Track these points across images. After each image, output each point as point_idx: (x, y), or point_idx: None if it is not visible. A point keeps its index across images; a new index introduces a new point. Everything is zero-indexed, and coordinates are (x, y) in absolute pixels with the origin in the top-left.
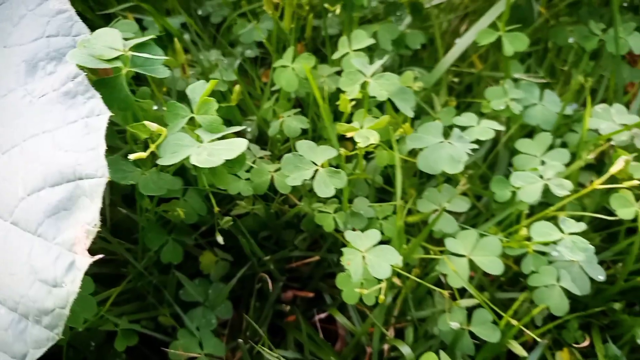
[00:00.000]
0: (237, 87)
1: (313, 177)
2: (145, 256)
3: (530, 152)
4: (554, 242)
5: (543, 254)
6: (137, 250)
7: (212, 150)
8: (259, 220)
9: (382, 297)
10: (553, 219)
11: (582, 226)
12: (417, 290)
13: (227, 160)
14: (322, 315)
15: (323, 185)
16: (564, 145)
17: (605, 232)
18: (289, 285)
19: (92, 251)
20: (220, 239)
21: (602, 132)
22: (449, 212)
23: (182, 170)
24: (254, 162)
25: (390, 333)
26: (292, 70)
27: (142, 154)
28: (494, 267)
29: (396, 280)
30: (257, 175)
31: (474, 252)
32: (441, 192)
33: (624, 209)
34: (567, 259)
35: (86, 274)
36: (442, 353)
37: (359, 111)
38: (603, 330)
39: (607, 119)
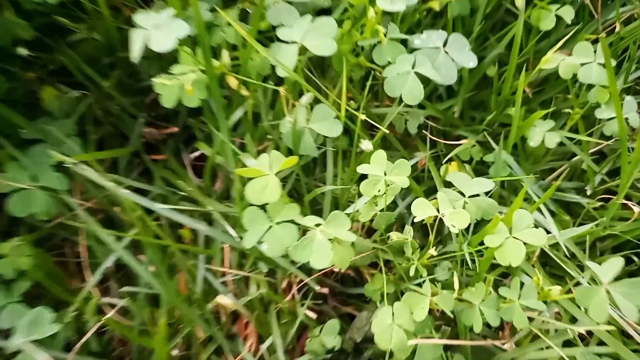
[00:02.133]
0: None
1: None
2: None
3: None
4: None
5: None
6: None
7: None
8: (98, 45)
9: (189, 88)
10: None
11: None
12: (275, 109)
13: None
14: (196, 154)
15: None
16: None
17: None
18: (155, 123)
19: None
20: (24, 51)
21: None
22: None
23: None
24: None
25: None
26: None
27: None
28: (325, 48)
29: (244, 92)
30: None
31: (306, 37)
32: None
33: None
34: (432, 46)
35: None
36: (273, 151)
37: None
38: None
39: None
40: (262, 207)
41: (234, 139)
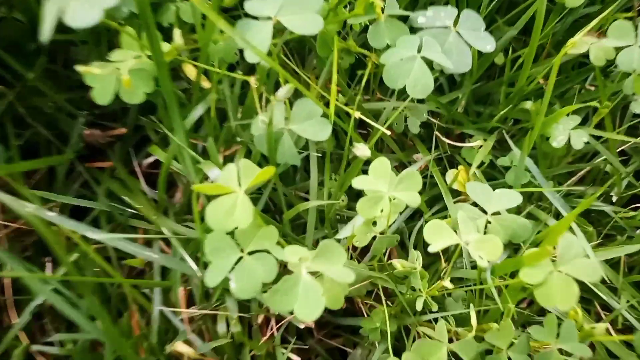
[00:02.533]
0: None
1: None
2: None
3: None
4: None
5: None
6: None
7: None
8: (20, 27)
9: (126, 78)
10: None
11: None
12: (245, 105)
13: None
14: (150, 160)
15: None
16: None
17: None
18: (99, 123)
19: None
20: None
21: None
22: None
23: None
24: None
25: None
26: None
27: None
28: (309, 25)
29: (205, 83)
30: None
31: (283, 11)
32: None
33: None
34: (440, 25)
35: None
36: (243, 159)
37: None
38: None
39: None
40: (230, 231)
41: (196, 142)
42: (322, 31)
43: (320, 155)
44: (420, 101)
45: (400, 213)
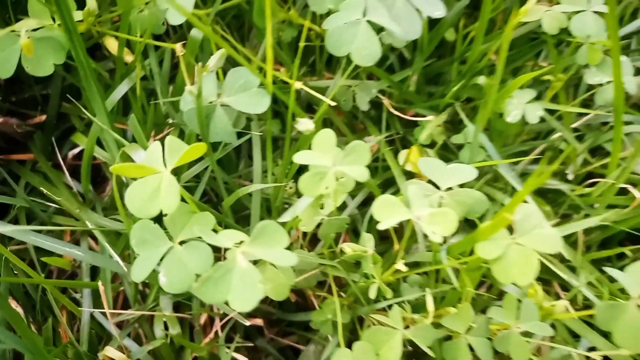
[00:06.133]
0: None
1: None
2: None
3: None
4: None
5: None
6: None
7: None
8: None
9: (25, 41)
10: None
11: None
12: (176, 82)
13: None
14: (76, 150)
15: None
16: None
17: None
18: (16, 111)
19: None
20: None
21: None
22: None
23: None
24: None
25: None
26: None
27: None
28: None
29: (128, 57)
30: None
31: None
32: None
33: None
34: None
35: None
36: (169, 136)
37: None
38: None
39: None
40: (160, 220)
41: (124, 127)
42: None
43: (262, 135)
44: (369, 78)
45: (353, 198)
